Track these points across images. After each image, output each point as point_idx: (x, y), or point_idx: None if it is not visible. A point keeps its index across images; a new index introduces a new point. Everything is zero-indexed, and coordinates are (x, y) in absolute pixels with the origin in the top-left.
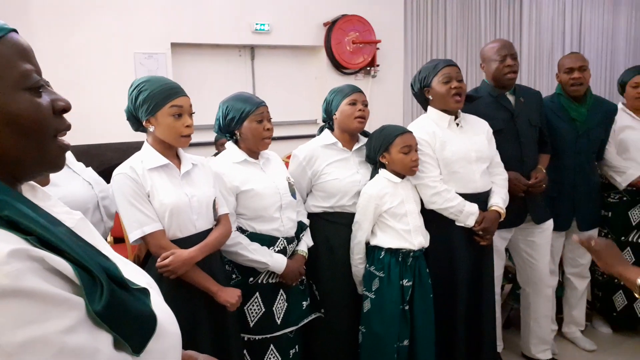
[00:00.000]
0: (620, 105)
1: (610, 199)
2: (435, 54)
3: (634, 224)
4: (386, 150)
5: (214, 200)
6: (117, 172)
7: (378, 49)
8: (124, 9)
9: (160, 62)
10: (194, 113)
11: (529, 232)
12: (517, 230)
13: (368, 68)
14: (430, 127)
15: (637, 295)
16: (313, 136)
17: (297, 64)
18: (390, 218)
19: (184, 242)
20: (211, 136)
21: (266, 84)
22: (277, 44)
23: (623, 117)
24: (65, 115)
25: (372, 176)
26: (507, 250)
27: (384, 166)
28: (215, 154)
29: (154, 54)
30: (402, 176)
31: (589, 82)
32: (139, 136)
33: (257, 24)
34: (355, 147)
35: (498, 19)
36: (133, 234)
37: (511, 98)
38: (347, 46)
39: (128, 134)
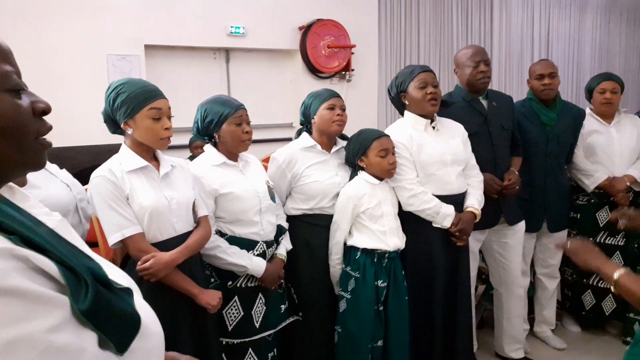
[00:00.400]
0: (587, 111)
1: (579, 201)
2: (409, 58)
3: (601, 225)
4: (364, 154)
5: (194, 202)
6: (95, 175)
7: (353, 53)
8: (96, 10)
9: (134, 64)
10: (173, 116)
11: (502, 234)
12: (491, 231)
13: (343, 72)
14: (407, 130)
15: (613, 290)
16: (289, 139)
17: (272, 67)
18: (367, 219)
19: (164, 245)
20: (185, 139)
21: (241, 87)
22: (253, 47)
23: (591, 122)
24: None
25: (351, 179)
26: (480, 251)
27: (363, 169)
28: (190, 157)
29: (127, 55)
30: (380, 178)
31: (558, 88)
32: (111, 139)
33: (232, 27)
34: (334, 149)
35: (470, 26)
36: (112, 237)
37: (484, 102)
38: (323, 50)
39: (99, 137)
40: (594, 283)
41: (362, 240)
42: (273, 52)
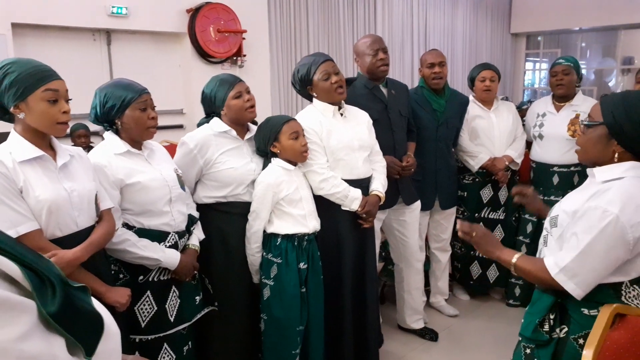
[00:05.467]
0: (471, 98)
1: (465, 180)
2: (299, 45)
3: (484, 201)
4: (275, 139)
5: (96, 195)
6: None
7: (244, 39)
8: None
9: None
10: (70, 99)
11: (400, 213)
12: (390, 211)
13: (235, 58)
14: (316, 117)
15: (513, 272)
16: (179, 126)
17: (159, 51)
18: (287, 205)
19: (65, 242)
20: None
21: (125, 71)
22: (136, 29)
23: (474, 108)
24: None
25: (264, 167)
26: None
27: (275, 155)
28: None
29: None
30: (294, 163)
31: (447, 77)
32: None
33: (113, 6)
34: (247, 136)
35: (355, 16)
36: None
37: (384, 90)
38: (212, 34)
39: None
40: (480, 255)
41: (283, 227)
42: (159, 34)
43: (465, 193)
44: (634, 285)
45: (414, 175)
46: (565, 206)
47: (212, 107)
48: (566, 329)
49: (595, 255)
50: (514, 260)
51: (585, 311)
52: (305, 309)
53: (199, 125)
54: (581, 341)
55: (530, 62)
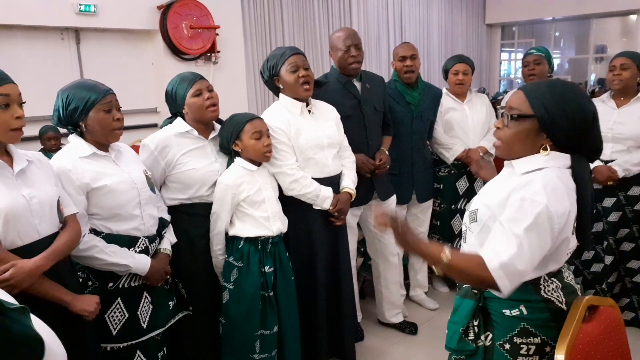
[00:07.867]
0: (444, 90)
1: (441, 173)
2: (274, 40)
3: (461, 193)
4: (238, 137)
5: (58, 200)
6: None
7: (218, 34)
8: None
9: None
10: (24, 102)
11: (376, 208)
12: (366, 207)
13: (209, 54)
14: (284, 115)
15: (438, 271)
16: (154, 126)
17: (130, 49)
18: (248, 206)
19: (26, 251)
20: (32, 130)
21: (96, 70)
22: (106, 27)
23: (447, 100)
24: None
25: (228, 165)
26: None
27: (238, 155)
28: (42, 150)
29: None
30: (258, 163)
31: (419, 69)
32: None
33: (81, 4)
34: (212, 135)
35: (330, 9)
36: None
37: (358, 85)
38: (185, 31)
39: None
40: (458, 246)
41: (244, 229)
42: (130, 32)
43: (442, 185)
44: (552, 278)
45: (391, 169)
46: (487, 200)
47: (174, 105)
48: (491, 336)
49: (530, 248)
50: (445, 255)
51: (507, 312)
52: (274, 313)
53: (162, 125)
54: (507, 346)
55: (506, 52)
